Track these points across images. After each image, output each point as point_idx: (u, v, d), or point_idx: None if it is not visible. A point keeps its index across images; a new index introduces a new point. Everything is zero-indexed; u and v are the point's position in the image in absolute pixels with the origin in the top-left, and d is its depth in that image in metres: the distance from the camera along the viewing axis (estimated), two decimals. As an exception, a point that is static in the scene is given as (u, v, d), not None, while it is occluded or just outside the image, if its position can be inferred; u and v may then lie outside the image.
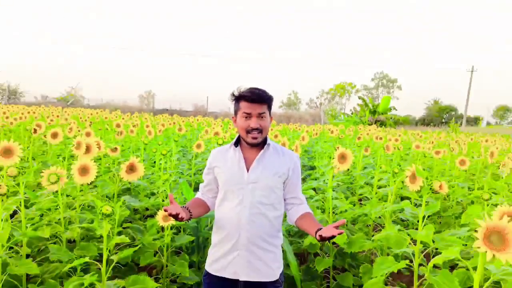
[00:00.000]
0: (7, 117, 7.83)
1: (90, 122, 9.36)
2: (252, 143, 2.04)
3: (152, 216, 4.12)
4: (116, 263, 2.27)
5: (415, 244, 2.31)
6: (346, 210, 3.28)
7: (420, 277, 2.26)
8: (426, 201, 2.37)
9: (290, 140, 8.29)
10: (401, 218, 3.93)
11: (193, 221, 3.15)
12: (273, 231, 2.11)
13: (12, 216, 3.23)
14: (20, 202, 2.46)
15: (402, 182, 2.58)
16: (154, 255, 2.89)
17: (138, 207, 3.74)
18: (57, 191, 2.76)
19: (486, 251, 1.42)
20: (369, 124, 29.32)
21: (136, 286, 2.21)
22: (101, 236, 2.94)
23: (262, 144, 2.12)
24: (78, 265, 2.56)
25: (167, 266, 2.91)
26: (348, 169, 4.77)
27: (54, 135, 3.99)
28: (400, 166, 3.65)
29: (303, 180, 5.80)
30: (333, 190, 3.48)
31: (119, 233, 3.08)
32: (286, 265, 2.74)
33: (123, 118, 12.84)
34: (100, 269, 2.18)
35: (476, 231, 1.45)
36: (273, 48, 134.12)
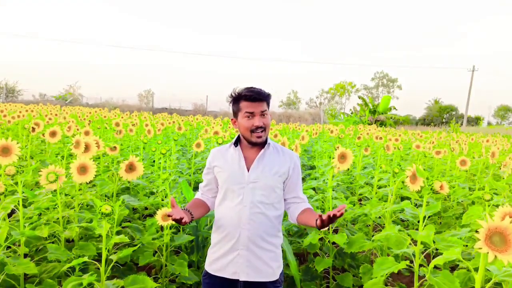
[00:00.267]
0: (4, 116, 7.79)
1: (89, 120, 9.34)
2: (257, 142, 2.03)
3: (151, 215, 4.11)
4: (115, 262, 2.26)
5: (415, 245, 2.30)
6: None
7: (420, 277, 2.25)
8: (426, 202, 2.36)
9: (290, 140, 8.27)
10: (401, 218, 3.92)
11: (193, 221, 3.14)
12: (273, 230, 2.10)
13: (10, 215, 3.22)
14: (18, 201, 2.44)
15: (403, 182, 2.56)
16: (153, 255, 2.88)
17: (137, 206, 3.73)
18: (55, 190, 2.74)
19: (488, 252, 1.41)
20: (369, 124, 29.33)
21: (135, 286, 2.20)
22: (100, 236, 2.93)
23: (263, 143, 2.11)
24: (77, 265, 2.54)
25: (166, 265, 2.89)
26: (348, 169, 4.76)
27: (53, 134, 3.98)
28: (400, 166, 3.63)
29: (303, 179, 5.79)
30: (333, 190, 3.47)
31: (118, 233, 3.07)
32: (286, 265, 2.73)
33: (122, 117, 12.82)
34: (99, 268, 2.18)
35: (477, 232, 1.44)
36: (272, 47, 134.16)
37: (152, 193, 4.37)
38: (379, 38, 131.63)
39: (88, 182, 2.87)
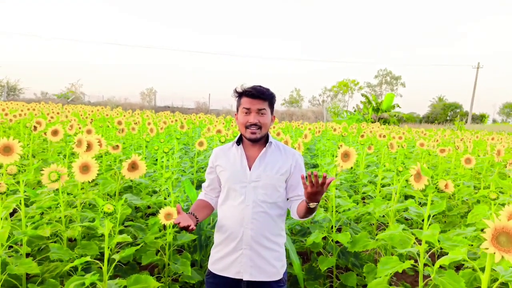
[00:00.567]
0: (6, 114, 7.76)
1: (91, 119, 9.33)
2: (251, 138, 2.04)
3: (154, 214, 4.11)
4: (117, 262, 2.25)
5: (420, 244, 2.28)
6: (349, 209, 3.25)
7: (425, 277, 2.23)
8: (431, 200, 2.33)
9: (293, 138, 8.24)
10: (405, 217, 3.89)
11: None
12: (277, 229, 2.10)
13: (12, 214, 3.23)
14: (20, 200, 2.44)
15: (407, 180, 2.54)
16: (156, 254, 2.87)
17: (140, 205, 3.72)
18: (57, 189, 2.73)
19: (494, 252, 1.39)
20: (372, 122, 29.27)
21: (137, 285, 2.20)
22: (103, 235, 2.92)
23: (264, 142, 2.11)
24: (79, 264, 2.54)
25: (169, 265, 2.89)
26: (351, 167, 4.73)
27: (55, 133, 3.97)
28: (404, 164, 3.61)
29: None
30: (336, 189, 3.45)
31: (121, 232, 3.06)
32: (289, 264, 2.71)
33: (124, 115, 12.82)
34: (101, 268, 2.17)
35: (483, 231, 1.42)
36: (275, 45, 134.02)
37: (154, 192, 4.37)
38: (381, 36, 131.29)
39: (90, 181, 2.86)
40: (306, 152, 8.40)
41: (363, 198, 5.10)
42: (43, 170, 2.67)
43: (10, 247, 2.42)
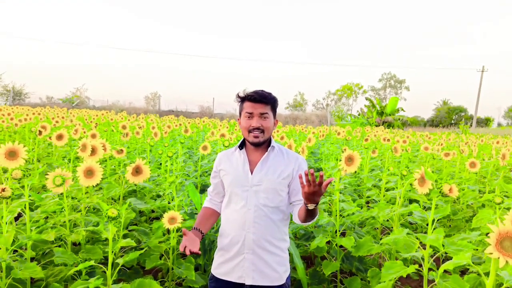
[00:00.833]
0: (11, 119, 7.81)
1: (96, 123, 9.34)
2: (254, 142, 2.05)
3: (158, 218, 4.11)
4: (121, 266, 2.25)
5: (424, 248, 2.26)
6: (353, 213, 3.24)
7: (430, 282, 2.22)
8: (435, 204, 2.32)
9: (297, 142, 8.25)
10: (409, 221, 3.87)
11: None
12: (279, 234, 2.09)
13: (16, 219, 3.23)
14: (25, 204, 2.45)
15: (411, 184, 2.53)
16: (160, 258, 2.87)
17: (144, 209, 3.72)
18: (62, 194, 2.74)
19: (498, 257, 1.38)
20: (376, 126, 29.18)
21: (141, 289, 2.19)
22: (107, 239, 2.93)
23: (267, 146, 2.12)
24: (83, 269, 2.53)
25: (173, 269, 2.89)
26: (355, 171, 4.72)
27: (60, 137, 3.99)
28: (408, 168, 3.60)
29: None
30: (340, 193, 3.44)
31: (125, 236, 3.07)
32: (293, 268, 2.71)
33: (129, 120, 12.82)
34: (105, 272, 2.17)
35: (488, 236, 1.42)
36: (279, 49, 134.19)
37: (158, 196, 4.37)
38: (385, 40, 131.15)
39: (94, 185, 2.87)
40: (310, 156, 8.39)
41: (367, 202, 5.09)
42: (48, 175, 2.68)
43: (15, 251, 2.43)
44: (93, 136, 4.66)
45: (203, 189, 5.16)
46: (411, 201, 4.76)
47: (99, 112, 17.48)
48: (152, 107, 40.16)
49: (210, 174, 5.49)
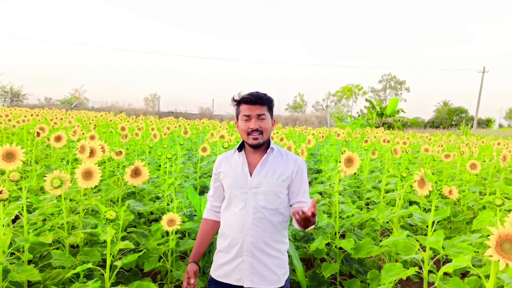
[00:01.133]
0: (9, 120, 7.77)
1: (95, 125, 9.33)
2: (253, 144, 2.05)
3: (157, 220, 4.09)
4: (119, 268, 2.24)
5: (424, 250, 2.25)
6: (353, 215, 3.23)
7: (430, 284, 2.20)
8: (435, 206, 2.31)
9: (296, 143, 8.24)
10: (409, 223, 3.86)
11: (198, 226, 3.10)
12: (279, 236, 2.09)
13: (14, 221, 3.22)
14: (22, 207, 2.43)
15: (411, 186, 2.52)
16: (159, 260, 2.86)
17: (143, 211, 3.71)
18: (60, 196, 2.73)
19: (498, 260, 1.37)
20: (376, 127, 29.16)
21: (139, 292, 2.18)
22: (105, 241, 2.92)
23: (266, 148, 2.11)
24: (81, 271, 2.52)
25: (171, 271, 2.87)
26: (355, 173, 4.71)
27: (58, 138, 3.98)
28: (408, 170, 3.59)
29: (310, 183, 5.74)
30: (340, 194, 3.43)
31: (123, 238, 3.05)
32: (292, 270, 2.69)
33: (128, 121, 12.81)
34: (103, 275, 2.16)
35: (488, 238, 1.41)
36: (279, 50, 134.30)
37: (158, 197, 4.36)
38: (385, 40, 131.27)
39: (93, 187, 2.86)
40: (310, 157, 8.38)
41: (367, 204, 5.07)
42: (45, 176, 2.67)
43: (12, 254, 2.41)
44: (92, 137, 4.64)
45: (202, 191, 5.14)
46: (411, 203, 4.74)
47: (98, 113, 17.47)
48: (151, 108, 40.13)
49: (209, 176, 5.52)
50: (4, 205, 2.25)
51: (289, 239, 2.27)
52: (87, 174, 2.78)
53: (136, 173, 3.09)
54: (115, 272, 2.20)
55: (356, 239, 3.17)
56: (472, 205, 4.37)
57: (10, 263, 2.24)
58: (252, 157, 2.12)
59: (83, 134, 5.96)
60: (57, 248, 2.80)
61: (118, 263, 2.18)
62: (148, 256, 2.82)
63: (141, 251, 2.77)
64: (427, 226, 2.34)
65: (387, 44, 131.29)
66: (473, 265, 1.72)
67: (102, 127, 9.48)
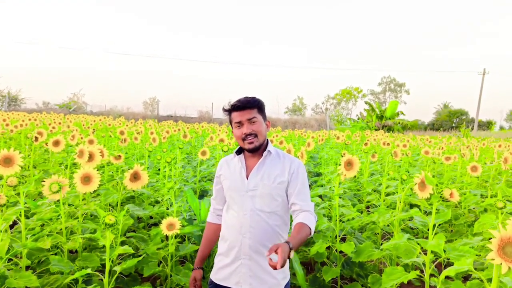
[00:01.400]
0: (7, 125, 7.72)
1: (93, 129, 9.31)
2: (250, 148, 2.06)
3: (156, 224, 4.08)
4: (119, 273, 2.22)
5: (425, 254, 2.24)
6: (353, 218, 3.21)
7: (431, 288, 2.18)
8: (436, 209, 2.30)
9: (296, 146, 8.23)
10: (410, 227, 3.84)
11: (198, 230, 3.10)
12: (277, 239, 2.08)
13: (12, 226, 3.19)
14: (20, 212, 2.41)
15: (411, 189, 2.50)
16: (158, 265, 2.84)
17: (142, 215, 3.69)
18: (58, 201, 2.71)
19: (501, 263, 1.36)
20: (376, 130, 29.19)
21: (139, 297, 2.16)
22: (104, 246, 2.90)
23: (264, 151, 2.12)
24: (80, 277, 2.51)
25: (171, 276, 2.86)
26: (355, 176, 4.69)
27: (56, 143, 3.96)
28: (408, 172, 3.57)
29: (309, 187, 5.72)
30: (340, 197, 3.41)
31: (123, 243, 3.03)
32: (293, 274, 2.68)
33: (127, 125, 12.77)
34: (102, 280, 2.14)
35: (490, 241, 1.39)
36: (278, 53, 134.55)
37: (157, 202, 4.35)
38: (386, 41, 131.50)
39: (92, 191, 2.84)
40: (309, 160, 8.37)
41: (367, 207, 5.06)
42: (44, 181, 2.65)
43: (10, 259, 2.39)
44: (91, 142, 4.63)
45: (202, 195, 5.12)
46: (411, 206, 4.73)
47: (97, 117, 17.39)
48: (150, 112, 39.98)
49: (209, 180, 5.51)
50: (1, 210, 2.24)
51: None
52: (86, 179, 2.77)
53: (135, 177, 3.07)
54: (114, 277, 2.18)
55: (357, 242, 3.16)
56: (473, 208, 4.35)
57: (8, 269, 2.23)
58: (250, 160, 2.13)
59: (81, 138, 5.94)
60: (56, 254, 2.78)
61: (117, 268, 2.16)
62: (148, 260, 2.80)
63: (140, 255, 2.76)
64: (428, 229, 2.32)
65: (387, 46, 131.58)
66: (475, 269, 1.70)
67: (101, 131, 9.46)
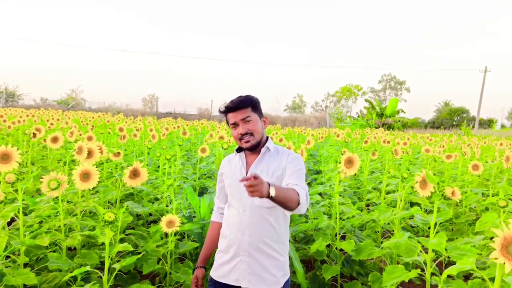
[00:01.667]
0: (4, 121, 7.69)
1: (92, 125, 9.28)
2: (247, 147, 2.08)
3: (155, 221, 4.06)
4: (118, 271, 2.21)
5: (426, 252, 2.22)
6: (353, 216, 3.20)
7: (432, 287, 2.18)
8: (437, 208, 2.28)
9: (296, 144, 8.20)
10: (411, 225, 3.82)
11: (198, 227, 3.09)
12: (276, 236, 2.08)
13: (9, 223, 3.17)
14: (18, 209, 2.39)
15: (412, 187, 2.49)
16: (158, 263, 2.83)
17: (142, 212, 3.68)
18: (57, 197, 2.69)
19: (504, 262, 1.35)
20: (376, 127, 29.18)
21: (138, 295, 2.16)
22: (103, 244, 2.88)
23: (260, 148, 2.13)
24: (79, 274, 2.48)
25: (170, 273, 2.84)
26: (355, 174, 4.68)
27: (55, 140, 3.94)
28: (409, 170, 3.55)
29: (309, 184, 5.71)
30: (340, 195, 3.40)
31: (122, 240, 3.02)
32: (292, 272, 2.67)
33: (126, 122, 12.75)
34: (101, 277, 2.13)
35: (492, 240, 1.38)
36: (278, 51, 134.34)
37: (156, 199, 4.33)
38: (386, 40, 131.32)
39: (91, 188, 2.83)
40: (309, 158, 8.35)
41: (367, 205, 5.04)
42: (42, 178, 2.63)
43: (8, 257, 2.38)
44: (89, 138, 4.60)
45: (201, 192, 5.10)
46: (412, 204, 4.71)
47: (95, 114, 17.36)
48: (149, 109, 39.87)
49: (208, 177, 5.49)
50: (-1, 207, 2.22)
51: (289, 241, 2.25)
52: (85, 176, 2.75)
53: (134, 174, 3.05)
54: (113, 275, 2.17)
55: (357, 240, 3.15)
56: (475, 207, 4.33)
57: (6, 267, 2.21)
58: (250, 158, 2.16)
59: (80, 135, 5.92)
60: (54, 251, 2.76)
61: (117, 266, 2.14)
62: (147, 258, 2.79)
63: (139, 253, 2.74)
64: (429, 228, 2.31)
65: (387, 44, 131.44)
66: (477, 268, 1.69)
67: (100, 128, 9.41)
